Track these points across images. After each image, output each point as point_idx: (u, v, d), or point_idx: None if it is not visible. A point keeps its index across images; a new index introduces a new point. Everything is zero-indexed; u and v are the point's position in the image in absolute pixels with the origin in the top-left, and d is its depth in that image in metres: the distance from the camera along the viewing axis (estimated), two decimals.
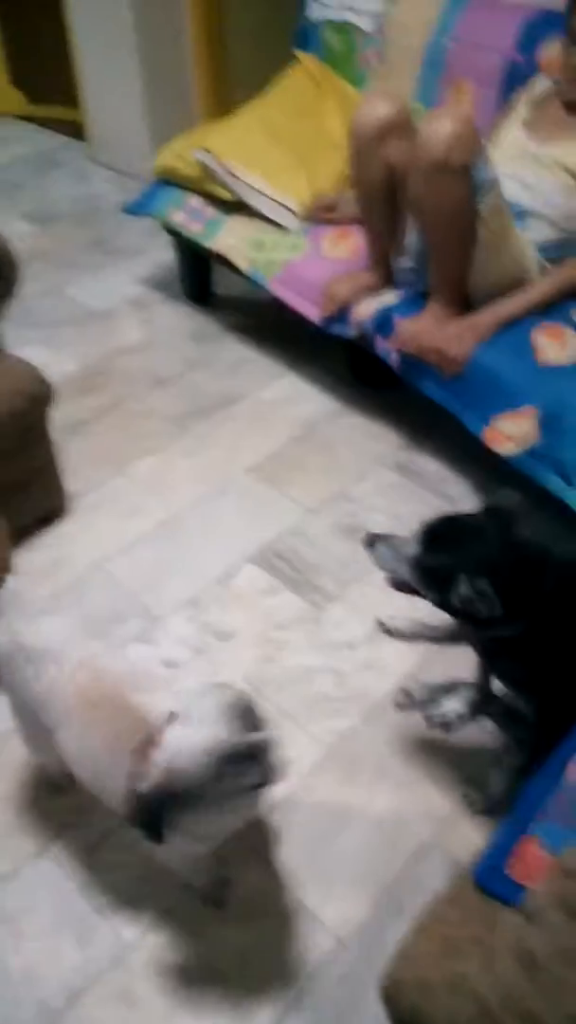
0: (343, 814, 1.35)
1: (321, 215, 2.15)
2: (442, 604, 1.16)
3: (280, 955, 1.21)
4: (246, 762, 0.96)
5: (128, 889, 1.28)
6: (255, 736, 0.98)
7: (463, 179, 1.64)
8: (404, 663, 1.56)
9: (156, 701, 1.09)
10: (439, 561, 1.15)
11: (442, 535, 1.18)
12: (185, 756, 0.96)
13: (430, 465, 2.00)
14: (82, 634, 1.24)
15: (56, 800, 1.35)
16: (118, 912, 1.26)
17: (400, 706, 1.48)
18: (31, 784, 1.40)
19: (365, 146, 1.81)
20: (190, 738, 0.97)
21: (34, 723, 1.20)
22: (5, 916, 1.27)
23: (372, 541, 1.23)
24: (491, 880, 0.93)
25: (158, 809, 0.96)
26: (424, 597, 1.19)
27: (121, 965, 1.21)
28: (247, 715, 1.00)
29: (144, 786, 0.97)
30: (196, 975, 1.19)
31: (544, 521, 1.27)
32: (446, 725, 1.41)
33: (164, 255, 2.75)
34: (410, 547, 1.19)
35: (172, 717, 1.01)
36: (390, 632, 1.59)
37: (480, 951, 0.88)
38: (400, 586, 1.25)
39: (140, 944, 1.23)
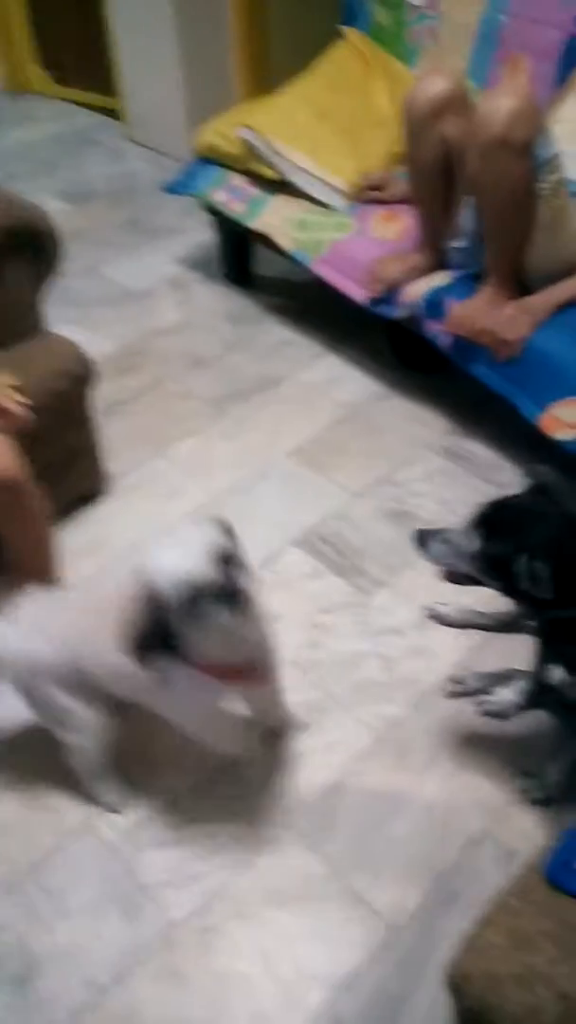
0: (393, 801, 1.33)
1: (369, 193, 2.11)
2: (509, 591, 1.13)
3: (331, 939, 1.19)
4: (221, 593, 1.03)
5: (176, 868, 1.27)
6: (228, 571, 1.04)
7: (523, 156, 1.60)
8: (454, 651, 1.53)
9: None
10: (504, 549, 1.11)
11: (501, 521, 1.15)
12: (163, 582, 1.03)
13: (478, 450, 1.96)
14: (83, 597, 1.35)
15: (105, 778, 1.34)
16: (166, 890, 1.25)
17: (451, 694, 1.45)
18: None
19: (420, 123, 1.76)
20: (170, 566, 1.04)
21: (63, 700, 1.23)
22: (51, 892, 1.26)
23: (423, 539, 1.19)
24: (561, 876, 0.91)
25: (153, 623, 1.04)
26: (487, 586, 1.16)
27: (169, 943, 1.20)
28: (226, 550, 1.06)
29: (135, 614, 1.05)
30: (246, 956, 1.18)
31: None
32: (499, 714, 1.39)
33: (201, 235, 2.72)
34: (467, 539, 1.15)
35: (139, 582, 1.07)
36: (439, 619, 1.57)
37: (552, 945, 0.87)
38: (455, 578, 1.21)
39: (188, 923, 1.22)
